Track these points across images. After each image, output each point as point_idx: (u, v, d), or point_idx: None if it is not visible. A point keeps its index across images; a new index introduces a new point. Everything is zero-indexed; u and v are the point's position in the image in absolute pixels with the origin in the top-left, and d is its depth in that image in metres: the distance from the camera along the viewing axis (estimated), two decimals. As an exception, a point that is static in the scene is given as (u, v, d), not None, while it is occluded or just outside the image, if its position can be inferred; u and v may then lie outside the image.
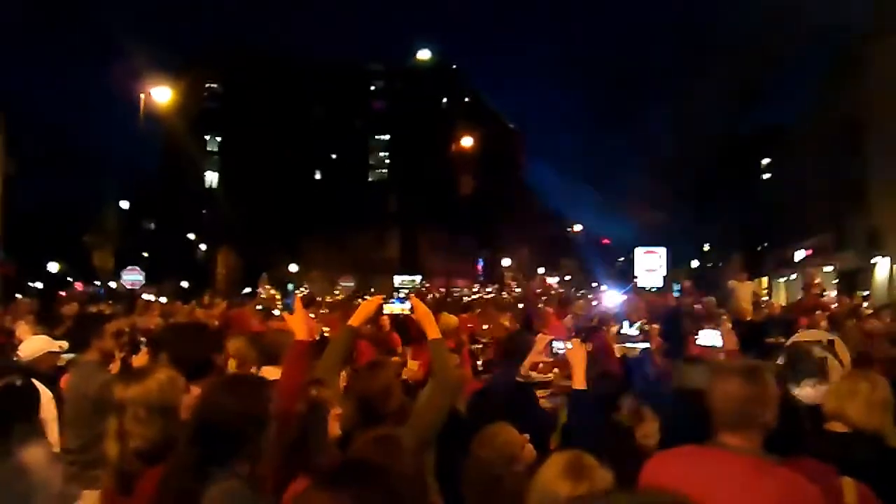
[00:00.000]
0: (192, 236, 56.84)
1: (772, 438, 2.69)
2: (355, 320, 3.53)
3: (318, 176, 68.57)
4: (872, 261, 23.46)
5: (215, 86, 64.39)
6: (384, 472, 1.76)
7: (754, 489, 2.11)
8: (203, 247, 56.85)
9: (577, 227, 73.90)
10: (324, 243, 51.77)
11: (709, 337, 5.48)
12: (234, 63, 60.25)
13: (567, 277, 59.25)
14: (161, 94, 24.77)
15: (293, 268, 52.57)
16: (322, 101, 65.86)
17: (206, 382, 3.33)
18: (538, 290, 22.42)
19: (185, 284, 43.32)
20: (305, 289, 35.18)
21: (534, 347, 4.88)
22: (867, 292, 21.32)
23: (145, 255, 42.57)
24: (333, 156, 68.33)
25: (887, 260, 22.53)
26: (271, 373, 4.19)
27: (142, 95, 24.08)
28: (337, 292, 27.82)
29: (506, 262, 64.84)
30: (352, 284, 39.88)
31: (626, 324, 9.29)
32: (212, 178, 66.03)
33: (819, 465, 2.62)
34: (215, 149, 66.13)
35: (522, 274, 52.79)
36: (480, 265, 68.21)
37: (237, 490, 2.19)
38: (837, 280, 26.54)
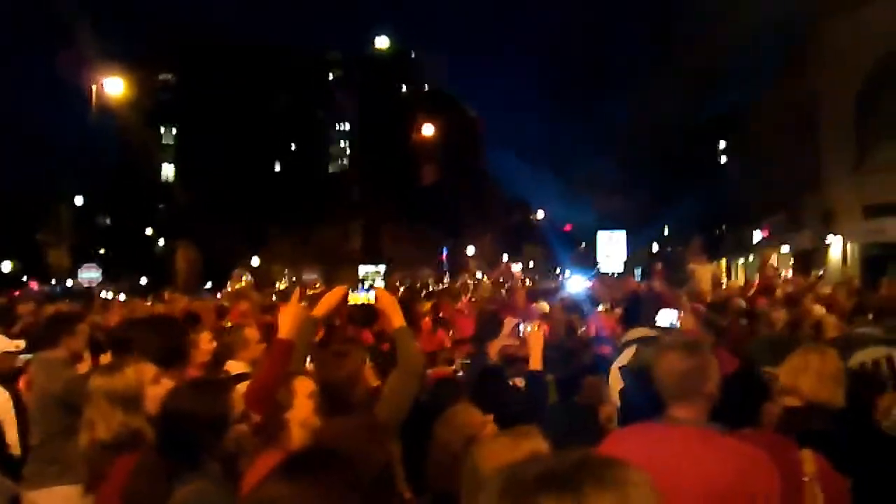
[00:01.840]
0: (149, 231, 55.80)
1: (738, 412, 2.77)
2: (319, 311, 3.51)
3: (277, 168, 67.81)
4: (826, 240, 24.07)
5: (169, 76, 63.12)
6: (347, 460, 1.76)
7: (700, 458, 2.17)
8: (161, 241, 55.88)
9: (540, 214, 74.42)
10: (286, 236, 51.29)
11: (667, 317, 5.57)
12: (188, 53, 59.16)
13: (531, 264, 59.69)
14: (113, 86, 24.18)
15: (255, 261, 52.01)
16: (280, 90, 65.10)
17: (179, 374, 3.32)
18: (501, 279, 22.50)
19: (143, 281, 42.54)
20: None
21: (502, 331, 4.93)
22: (822, 271, 21.93)
23: (102, 251, 41.67)
24: (293, 146, 67.63)
25: (840, 239, 23.16)
26: (235, 367, 4.17)
27: (93, 87, 23.47)
28: (318, 286, 27.31)
29: (470, 250, 65.02)
30: (315, 277, 39.60)
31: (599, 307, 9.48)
32: (168, 171, 64.84)
33: (779, 438, 2.70)
34: (171, 141, 64.92)
35: (486, 262, 53.02)
36: (444, 254, 68.32)
37: (205, 490, 2.19)
38: (793, 260, 27.22)
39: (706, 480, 2.11)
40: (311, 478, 1.60)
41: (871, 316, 7.14)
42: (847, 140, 22.61)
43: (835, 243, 23.60)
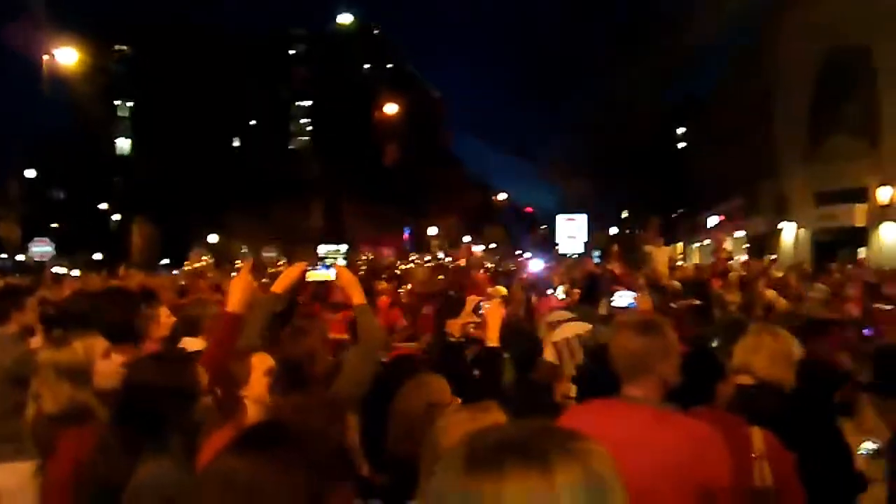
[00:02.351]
0: (104, 206, 54.47)
1: (692, 391, 2.82)
2: (278, 287, 3.47)
3: (236, 143, 66.62)
4: (779, 226, 24.72)
5: (125, 48, 61.30)
6: (303, 437, 1.75)
7: (652, 437, 2.20)
8: (116, 217, 54.62)
9: (502, 196, 74.74)
10: (245, 212, 50.55)
11: (624, 298, 5.68)
12: (145, 25, 57.53)
13: (492, 246, 59.98)
14: (66, 56, 23.38)
15: (213, 238, 51.19)
16: (240, 65, 63.79)
17: (130, 350, 3.26)
18: (464, 259, 22.56)
19: (98, 256, 41.59)
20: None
21: (464, 309, 4.96)
22: (774, 256, 22.53)
23: (55, 225, 40.60)
24: (252, 122, 66.45)
25: (793, 225, 23.80)
26: (192, 343, 4.10)
27: (45, 57, 22.65)
28: (280, 264, 26.81)
29: (432, 230, 65.00)
30: (274, 255, 39.18)
31: (558, 290, 9.60)
32: (124, 144, 63.20)
33: (728, 416, 2.77)
34: (127, 114, 63.20)
35: (449, 243, 53.09)
36: (407, 234, 68.16)
37: (165, 470, 2.15)
38: (748, 244, 27.90)
39: (657, 458, 2.13)
40: (266, 453, 1.58)
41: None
42: (800, 130, 23.17)
43: (787, 228, 24.26)
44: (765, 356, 3.13)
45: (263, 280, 9.87)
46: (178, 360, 2.54)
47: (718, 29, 30.57)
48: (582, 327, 4.89)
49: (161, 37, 57.66)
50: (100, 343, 2.88)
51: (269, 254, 40.22)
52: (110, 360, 2.82)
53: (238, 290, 3.19)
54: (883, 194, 19.01)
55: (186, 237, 44.46)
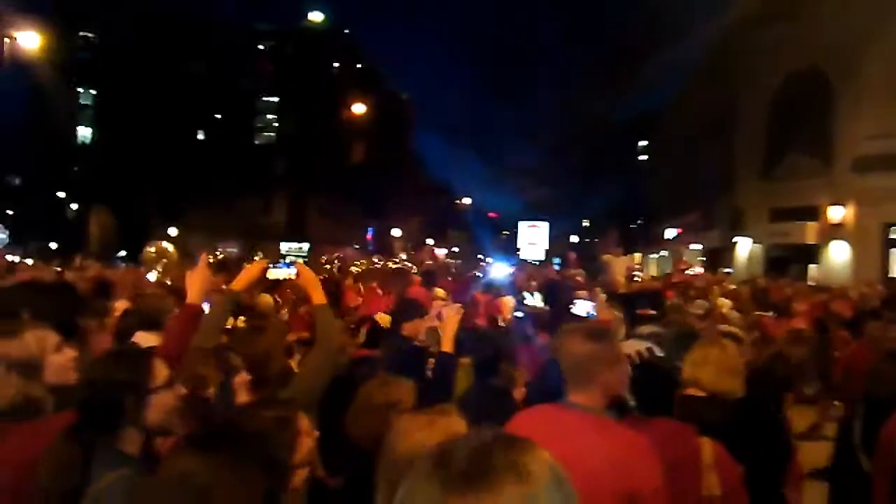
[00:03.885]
0: (62, 194, 53.10)
1: (646, 401, 2.88)
2: (238, 284, 3.45)
3: (200, 136, 65.58)
4: (734, 240, 25.26)
5: (91, 35, 59.85)
6: (259, 438, 1.76)
7: (587, 443, 2.23)
8: (74, 206, 53.30)
9: (467, 200, 74.91)
10: (206, 206, 49.80)
11: (584, 307, 5.75)
12: (112, 11, 56.24)
13: (455, 249, 60.10)
14: (28, 40, 22.72)
15: (173, 231, 50.32)
16: (207, 58, 62.83)
17: (79, 345, 3.20)
18: (427, 261, 22.58)
19: (53, 245, 40.54)
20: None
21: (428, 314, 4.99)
22: (729, 269, 23.02)
23: (9, 213, 39.44)
24: (217, 116, 65.49)
25: (748, 239, 24.34)
26: (146, 339, 4.01)
27: (6, 40, 21.99)
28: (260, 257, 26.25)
29: (395, 232, 64.85)
30: (235, 250, 38.67)
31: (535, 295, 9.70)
32: (85, 133, 61.66)
33: (679, 426, 2.83)
34: (90, 102, 61.70)
35: (412, 244, 53.03)
36: (370, 234, 67.89)
37: (125, 481, 2.13)
38: (704, 257, 28.45)
39: (594, 465, 2.16)
40: (221, 453, 1.59)
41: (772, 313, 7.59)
42: (757, 147, 23.72)
43: (742, 243, 24.79)
44: (711, 369, 3.20)
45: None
46: (135, 355, 2.51)
47: (680, 45, 31.18)
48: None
49: (128, 25, 56.44)
50: (52, 336, 2.82)
51: (229, 248, 39.74)
52: (62, 354, 2.76)
53: (197, 282, 3.16)
54: (834, 213, 19.55)
55: (145, 229, 43.62)
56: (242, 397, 2.68)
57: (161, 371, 2.32)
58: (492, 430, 1.07)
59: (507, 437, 1.05)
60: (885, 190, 18.14)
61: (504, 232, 64.03)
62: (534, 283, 10.84)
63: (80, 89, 60.38)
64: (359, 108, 47.96)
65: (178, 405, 2.34)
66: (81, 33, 58.08)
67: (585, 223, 53.46)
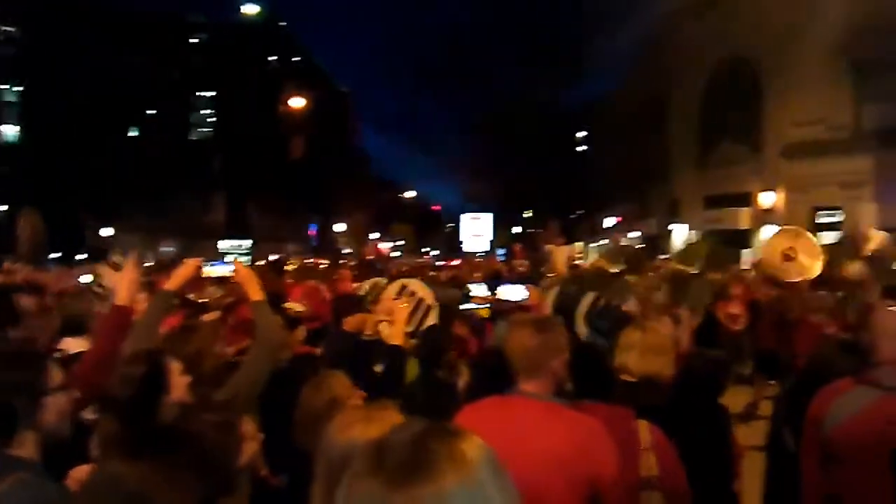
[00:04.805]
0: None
1: (582, 385, 2.93)
2: (172, 284, 3.36)
3: (133, 133, 63.61)
4: (671, 227, 25.94)
5: (12, 29, 57.28)
6: (193, 440, 1.71)
7: (545, 430, 2.30)
8: (3, 207, 51.07)
9: (410, 194, 74.90)
10: (142, 205, 48.39)
11: (517, 292, 5.86)
12: (34, 3, 53.87)
13: (400, 242, 60.02)
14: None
15: (107, 231, 48.73)
16: (138, 52, 60.88)
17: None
18: (370, 256, 22.50)
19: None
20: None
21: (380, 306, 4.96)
22: (667, 256, 23.60)
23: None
24: (150, 112, 63.63)
25: (685, 226, 25.02)
26: (72, 344, 3.85)
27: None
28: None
29: (339, 227, 64.33)
30: (172, 250, 37.74)
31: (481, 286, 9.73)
32: (10, 131, 59.09)
33: (618, 409, 2.89)
34: (14, 99, 59.11)
35: (356, 239, 52.73)
36: (313, 230, 67.19)
37: (26, 481, 2.05)
38: (642, 244, 29.13)
39: (550, 449, 2.24)
40: (155, 459, 1.54)
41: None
42: (691, 136, 24.39)
43: (678, 230, 25.47)
44: (636, 353, 3.27)
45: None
46: (29, 356, 2.42)
47: (618, 36, 31.73)
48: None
49: (52, 18, 54.19)
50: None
51: (167, 248, 38.74)
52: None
53: (126, 283, 3.08)
54: (765, 199, 20.26)
55: (78, 230, 42.15)
56: (180, 398, 2.61)
57: (56, 373, 2.25)
58: (424, 421, 1.07)
59: (441, 427, 1.05)
60: (813, 175, 18.89)
61: (449, 224, 64.29)
62: (478, 275, 10.92)
63: (4, 86, 57.84)
64: (297, 103, 47.22)
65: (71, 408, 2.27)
66: (3, 27, 55.58)
67: (528, 214, 54.07)
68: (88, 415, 2.66)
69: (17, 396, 2.14)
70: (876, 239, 5.56)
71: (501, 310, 6.78)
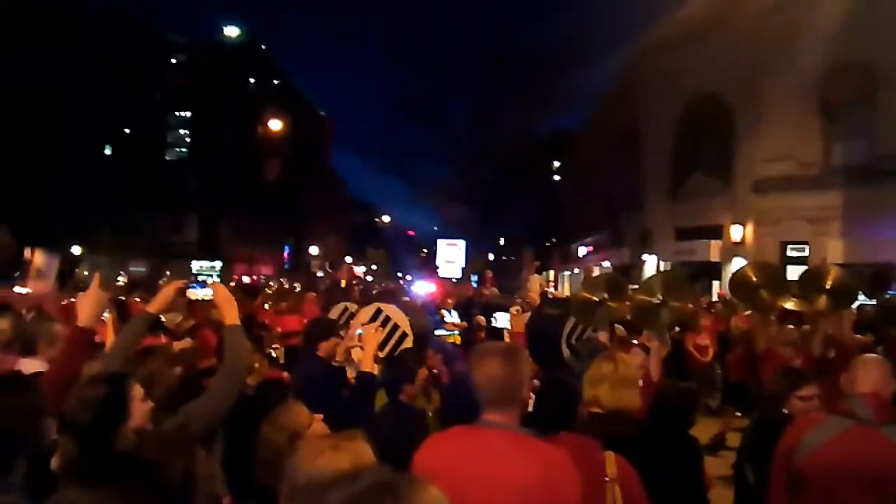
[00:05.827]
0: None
1: (549, 417, 2.93)
2: (154, 307, 3.31)
3: (108, 151, 62.91)
4: (643, 257, 26.21)
5: (-14, 43, 56.66)
6: (150, 466, 1.69)
7: (511, 460, 2.28)
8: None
9: (386, 218, 74.88)
10: (114, 223, 47.73)
11: (502, 319, 5.90)
12: (8, 15, 53.32)
13: (374, 267, 59.84)
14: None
15: (76, 250, 47.91)
16: (115, 68, 60.41)
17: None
18: (344, 280, 22.40)
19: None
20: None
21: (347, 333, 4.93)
22: (637, 286, 23.80)
23: None
24: (126, 130, 63.06)
25: (655, 257, 25.30)
26: (29, 365, 3.72)
27: None
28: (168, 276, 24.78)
29: (313, 250, 63.99)
30: (143, 269, 37.21)
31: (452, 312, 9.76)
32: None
33: (585, 440, 2.91)
34: (-18, 113, 58.26)
35: (329, 262, 52.44)
36: (287, 252, 66.73)
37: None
38: (614, 274, 29.37)
39: (515, 479, 2.22)
40: (111, 485, 1.52)
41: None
42: (664, 168, 24.75)
43: (650, 261, 25.74)
44: (607, 386, 3.29)
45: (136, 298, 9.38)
46: (21, 383, 2.38)
47: (593, 69, 32.29)
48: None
49: (25, 29, 53.63)
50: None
51: (137, 268, 38.18)
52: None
53: (88, 304, 3.04)
54: (735, 232, 20.58)
55: (48, 247, 41.34)
56: (139, 425, 2.56)
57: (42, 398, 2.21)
58: (386, 473, 1.07)
59: (402, 480, 1.05)
60: (782, 210, 19.24)
61: (423, 250, 64.27)
62: (450, 301, 10.94)
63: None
64: (275, 125, 47.22)
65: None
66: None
67: (502, 241, 54.32)
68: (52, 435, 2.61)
69: (15, 422, 2.10)
70: (832, 273, 5.69)
71: (473, 339, 6.80)
